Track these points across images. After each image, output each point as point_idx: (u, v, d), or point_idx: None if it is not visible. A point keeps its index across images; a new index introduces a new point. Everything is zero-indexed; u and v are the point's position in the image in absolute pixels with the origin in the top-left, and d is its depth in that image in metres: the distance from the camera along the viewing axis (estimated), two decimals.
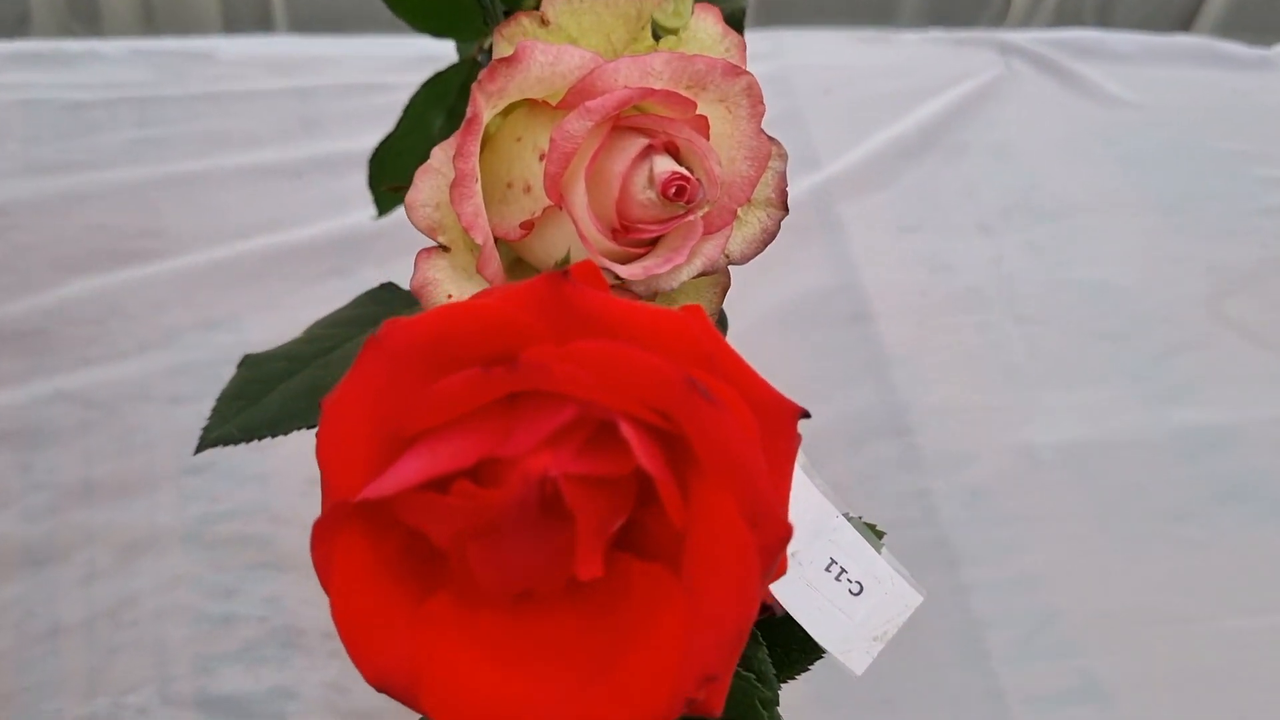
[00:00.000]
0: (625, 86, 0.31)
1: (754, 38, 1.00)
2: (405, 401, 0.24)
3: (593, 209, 0.31)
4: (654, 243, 0.33)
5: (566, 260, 0.32)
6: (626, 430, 0.22)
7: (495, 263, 0.32)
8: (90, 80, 0.91)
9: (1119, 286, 0.83)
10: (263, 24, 1.14)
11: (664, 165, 0.31)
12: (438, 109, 0.53)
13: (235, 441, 0.41)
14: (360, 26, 1.18)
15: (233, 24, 1.14)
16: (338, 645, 0.28)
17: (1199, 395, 0.76)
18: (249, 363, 0.43)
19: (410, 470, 0.22)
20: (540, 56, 0.31)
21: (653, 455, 0.23)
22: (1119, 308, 0.81)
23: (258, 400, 0.42)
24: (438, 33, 0.52)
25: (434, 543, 0.24)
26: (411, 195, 0.32)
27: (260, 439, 0.41)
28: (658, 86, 0.31)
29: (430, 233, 0.32)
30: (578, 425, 0.23)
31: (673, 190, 0.31)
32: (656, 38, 0.35)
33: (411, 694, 0.23)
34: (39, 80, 0.90)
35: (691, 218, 0.32)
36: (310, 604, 0.64)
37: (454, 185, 0.30)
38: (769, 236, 0.34)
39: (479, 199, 0.31)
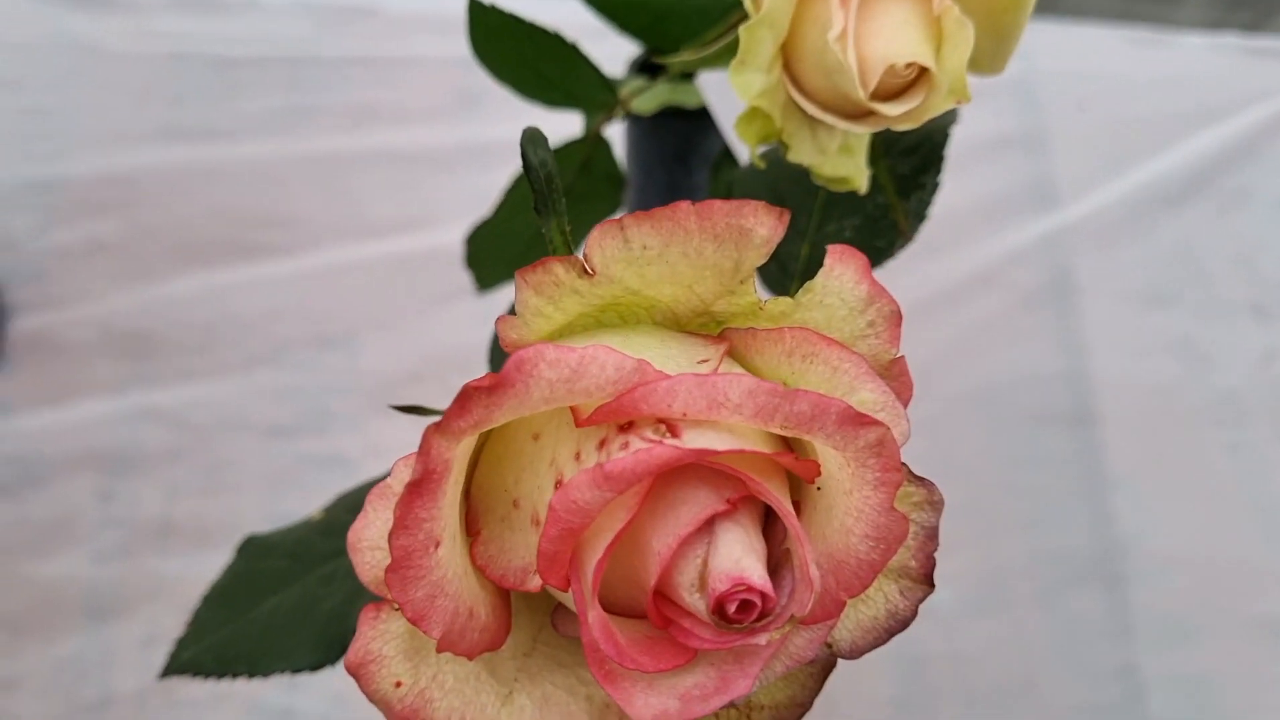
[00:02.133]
0: (684, 414, 0.19)
1: None
2: None
3: (607, 588, 0.20)
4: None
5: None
6: None
7: (472, 635, 0.21)
8: (246, 33, 0.83)
9: None
10: None
11: (729, 556, 0.19)
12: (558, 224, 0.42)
13: (207, 673, 0.32)
14: None
15: None
16: None
17: None
18: (247, 550, 0.34)
19: None
20: (548, 372, 0.19)
21: None
22: None
23: (244, 611, 0.33)
24: (558, 104, 0.40)
25: None
26: (355, 531, 0.21)
27: (235, 676, 0.32)
28: (734, 422, 0.19)
29: (377, 588, 0.21)
30: None
31: (734, 608, 0.19)
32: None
33: None
34: (193, 29, 0.83)
35: (761, 640, 0.20)
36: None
37: (391, 569, 0.19)
38: (899, 623, 0.22)
39: (440, 573, 0.20)
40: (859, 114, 0.28)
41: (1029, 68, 0.81)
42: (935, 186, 0.34)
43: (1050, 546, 0.60)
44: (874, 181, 0.33)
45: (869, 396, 0.21)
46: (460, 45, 0.83)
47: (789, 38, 0.28)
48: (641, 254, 0.21)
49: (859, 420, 0.19)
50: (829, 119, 0.27)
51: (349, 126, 0.78)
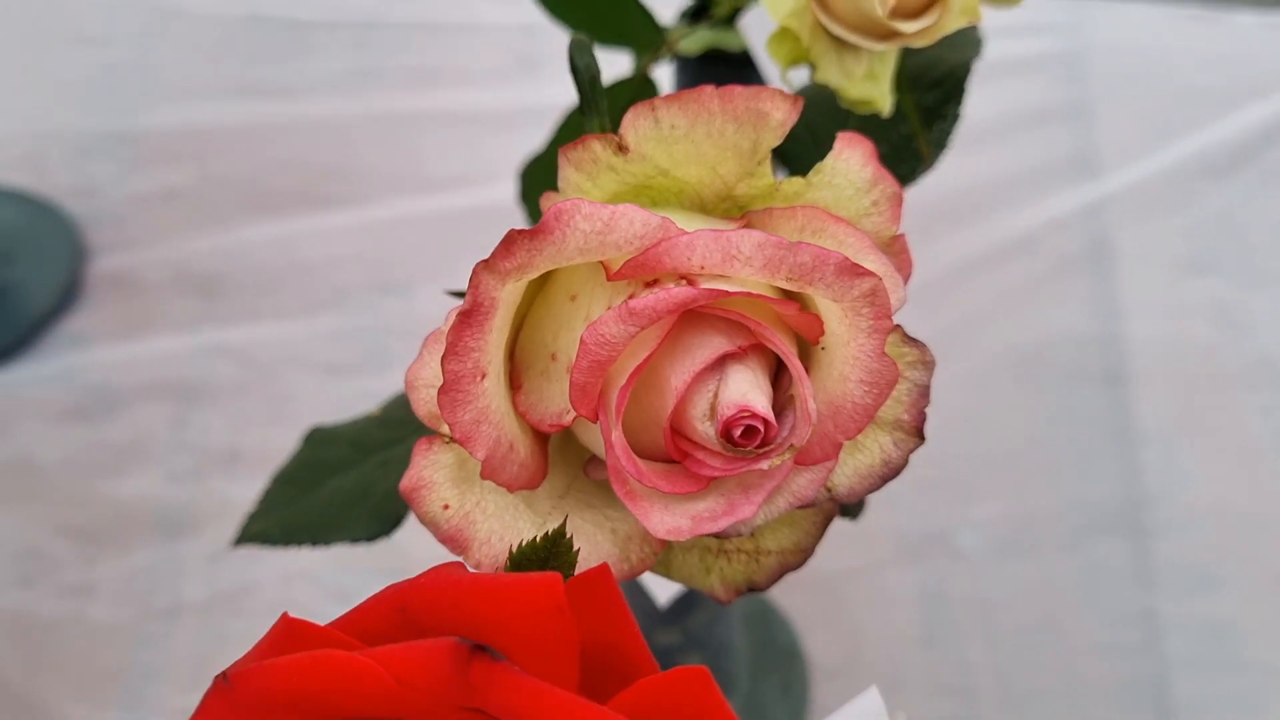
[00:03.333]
0: (701, 267, 0.22)
1: (1051, 6, 0.85)
2: None
3: (631, 433, 0.23)
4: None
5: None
6: None
7: (511, 466, 0.23)
8: None
9: None
10: None
11: (737, 389, 0.22)
12: (600, 124, 0.45)
13: (275, 542, 0.35)
14: None
15: None
16: None
17: None
18: (312, 440, 0.37)
19: None
20: (583, 224, 0.22)
21: None
22: None
23: (309, 490, 0.36)
24: (607, 42, 0.43)
25: None
26: (413, 370, 0.24)
27: (299, 544, 0.35)
28: (741, 274, 0.22)
29: (431, 421, 0.24)
30: None
31: (739, 432, 0.22)
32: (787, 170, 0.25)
33: None
34: None
35: (764, 465, 0.22)
36: None
37: (442, 390, 0.22)
38: (892, 470, 0.24)
39: (485, 401, 0.22)
40: (881, 34, 0.30)
41: (1079, 42, 0.82)
42: (957, 117, 0.36)
43: (1078, 497, 0.62)
44: (898, 111, 0.35)
45: (870, 266, 0.24)
46: (520, 13, 0.86)
47: None
48: (670, 132, 0.24)
49: (854, 270, 0.21)
50: (853, 38, 0.30)
51: (412, 87, 0.81)
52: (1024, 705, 0.56)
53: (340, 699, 0.17)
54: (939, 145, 0.36)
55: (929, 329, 0.68)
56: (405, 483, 0.24)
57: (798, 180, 0.25)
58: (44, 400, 0.66)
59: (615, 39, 0.42)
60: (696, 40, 0.43)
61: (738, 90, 0.24)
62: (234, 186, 0.76)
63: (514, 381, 0.25)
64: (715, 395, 0.22)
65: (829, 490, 0.24)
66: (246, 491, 0.62)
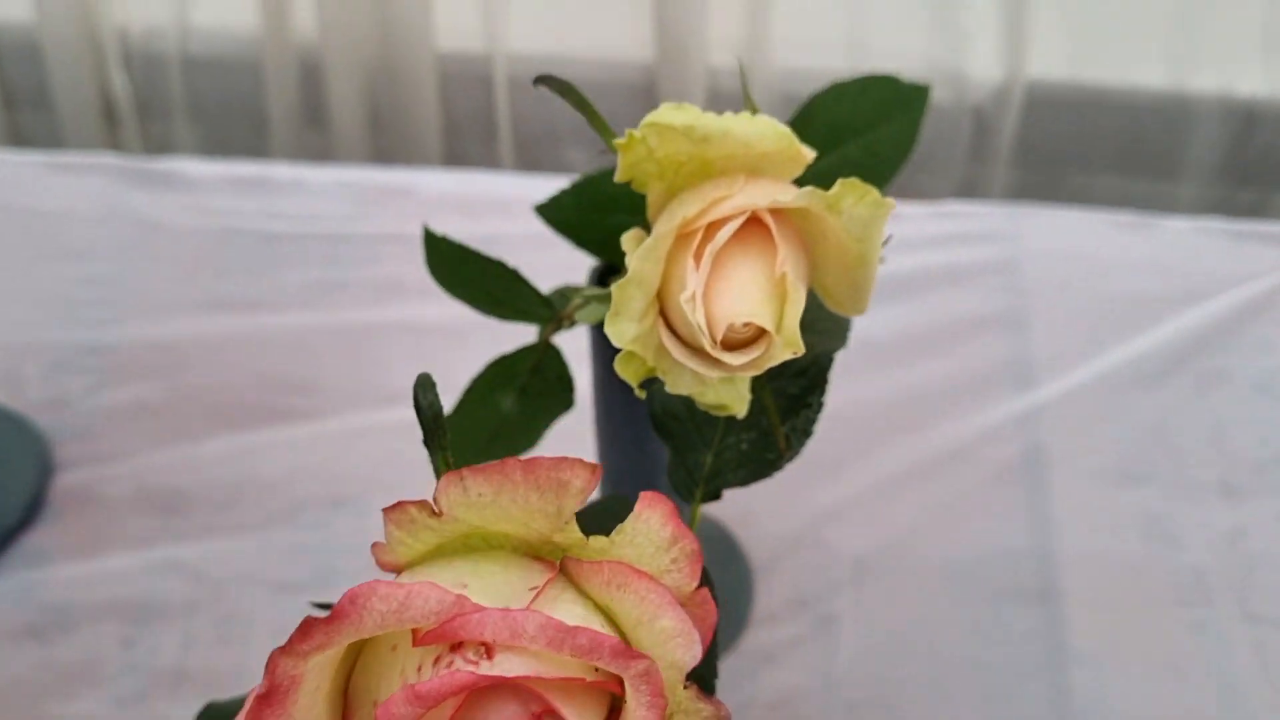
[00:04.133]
0: (494, 641, 0.24)
1: (994, 212, 0.89)
2: None
3: None
4: None
5: None
6: None
7: None
8: (291, 210, 0.91)
9: None
10: (485, 132, 1.12)
11: None
12: (507, 389, 0.47)
13: None
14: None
15: (454, 134, 1.12)
16: None
17: None
18: (205, 716, 0.39)
19: None
20: (379, 605, 0.24)
21: None
22: None
23: None
24: (504, 317, 0.46)
25: None
26: None
27: None
28: (537, 650, 0.23)
29: None
30: None
31: None
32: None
33: None
34: (243, 206, 0.91)
35: None
36: None
37: None
38: None
39: None
40: (711, 363, 0.32)
41: (1018, 248, 0.86)
42: (820, 405, 0.38)
43: (1009, 718, 0.62)
44: (762, 403, 0.38)
45: (669, 624, 0.25)
46: (481, 225, 0.90)
47: (664, 288, 0.33)
48: (478, 499, 0.26)
49: (629, 654, 0.23)
50: (690, 364, 0.32)
51: (377, 299, 0.85)
52: None
53: None
54: (804, 433, 0.38)
55: (863, 544, 0.70)
56: None
57: (603, 538, 0.27)
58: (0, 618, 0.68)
59: (510, 315, 0.44)
60: (590, 313, 0.46)
61: (541, 461, 0.26)
62: (201, 400, 0.79)
63: (345, 718, 0.27)
64: None
65: None
66: (188, 714, 0.64)
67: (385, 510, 0.26)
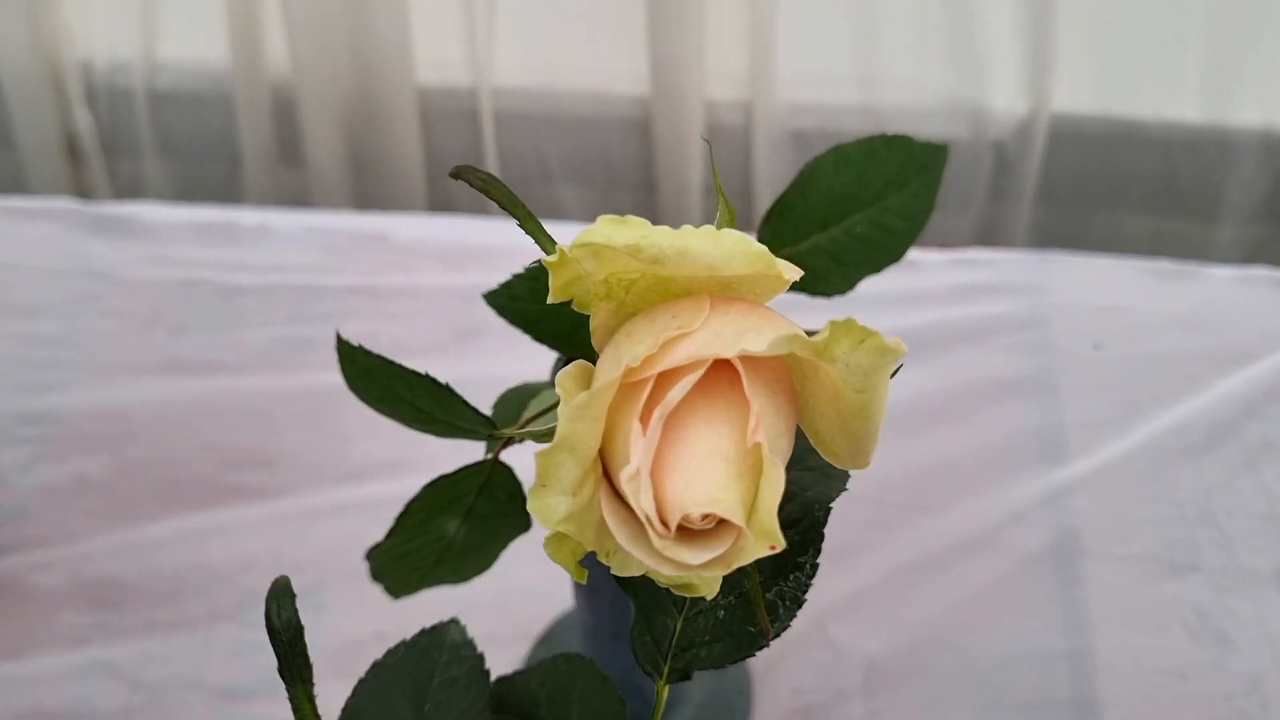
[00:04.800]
0: None
1: (1019, 260, 0.81)
2: None
3: None
4: None
5: None
6: None
7: None
8: (256, 260, 0.84)
9: None
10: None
11: None
12: (451, 513, 0.40)
13: None
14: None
15: (439, 173, 1.05)
16: None
17: None
18: None
19: None
20: None
21: None
22: None
23: None
24: (445, 435, 0.39)
25: None
26: None
27: None
28: None
29: None
30: None
31: None
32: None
33: None
34: (206, 257, 0.85)
35: None
36: None
37: None
38: None
39: None
40: (664, 560, 0.25)
41: (1047, 303, 0.78)
42: (814, 567, 0.31)
43: None
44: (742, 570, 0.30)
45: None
46: (462, 276, 0.83)
47: (607, 446, 0.26)
48: None
49: None
50: (639, 554, 0.25)
51: None
52: None
53: None
54: (794, 602, 0.31)
55: (880, 646, 0.63)
56: None
57: None
58: None
59: (451, 432, 0.37)
60: (545, 423, 0.38)
61: None
62: (147, 476, 0.72)
63: None
64: None
65: None
66: None
67: None
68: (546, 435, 0.39)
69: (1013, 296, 0.79)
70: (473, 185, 0.27)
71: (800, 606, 0.31)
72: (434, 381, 0.35)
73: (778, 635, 0.30)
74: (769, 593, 0.30)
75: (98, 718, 0.62)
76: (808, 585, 0.31)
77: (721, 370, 0.24)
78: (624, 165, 1.06)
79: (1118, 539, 0.66)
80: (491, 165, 1.02)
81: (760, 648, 0.30)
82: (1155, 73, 0.99)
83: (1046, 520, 0.67)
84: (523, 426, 0.38)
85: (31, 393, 0.76)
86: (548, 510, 0.25)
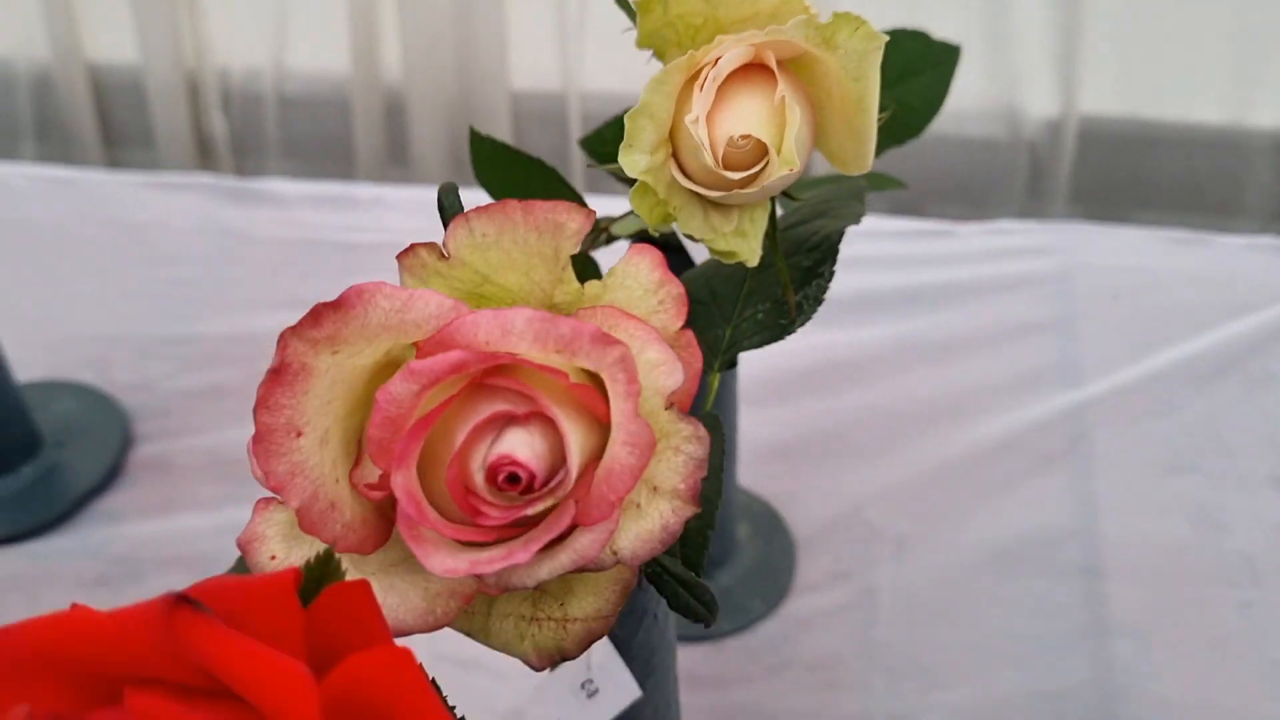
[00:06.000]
0: (486, 343, 0.26)
1: (1047, 229, 0.90)
2: None
3: (431, 493, 0.26)
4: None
5: None
6: None
7: (334, 525, 0.27)
8: (370, 224, 0.96)
9: None
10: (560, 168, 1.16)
11: (507, 444, 0.26)
12: None
13: None
14: None
15: None
16: None
17: None
18: None
19: None
20: (383, 302, 0.26)
21: None
22: None
23: None
24: None
25: None
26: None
27: None
28: (519, 349, 0.26)
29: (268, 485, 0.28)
30: None
31: (503, 478, 0.25)
32: (583, 279, 0.30)
33: None
34: (326, 220, 0.97)
35: (529, 511, 0.26)
36: None
37: (255, 440, 0.26)
38: (670, 536, 0.27)
39: (300, 457, 0.27)
40: (718, 184, 0.35)
41: (1067, 260, 0.87)
42: (831, 274, 0.40)
43: (1049, 688, 0.62)
44: (776, 273, 0.40)
45: (653, 355, 0.28)
46: None
47: (674, 129, 0.36)
48: (482, 240, 0.29)
49: (605, 340, 0.26)
50: (699, 189, 0.35)
51: None
52: None
53: (78, 651, 0.20)
54: (815, 300, 0.40)
55: (906, 525, 0.71)
56: (241, 537, 0.28)
57: (596, 283, 0.29)
58: (73, 571, 0.71)
59: None
60: (628, 225, 0.48)
61: (538, 204, 0.29)
62: None
63: (358, 459, 0.29)
64: (489, 449, 0.26)
65: (614, 552, 0.28)
66: None
67: (398, 255, 0.29)
68: (632, 228, 0.49)
69: (1040, 257, 0.88)
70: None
71: (819, 305, 0.40)
72: (545, 165, 0.45)
73: (803, 323, 0.40)
74: (797, 295, 0.40)
75: (226, 565, 0.71)
76: (825, 289, 0.40)
77: (757, 68, 0.34)
78: None
79: (1127, 446, 0.74)
80: (576, 164, 1.14)
81: (789, 332, 0.40)
82: (1177, 77, 1.09)
83: (1063, 430, 0.75)
84: (609, 225, 0.48)
85: (176, 322, 0.88)
86: (633, 163, 0.35)
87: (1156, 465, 0.73)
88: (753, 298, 0.42)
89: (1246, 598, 0.65)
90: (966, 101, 1.10)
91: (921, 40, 0.55)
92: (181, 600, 0.20)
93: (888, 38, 0.35)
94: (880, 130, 0.55)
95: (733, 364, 0.41)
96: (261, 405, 0.26)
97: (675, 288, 0.29)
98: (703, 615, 0.33)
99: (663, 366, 0.27)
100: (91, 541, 0.73)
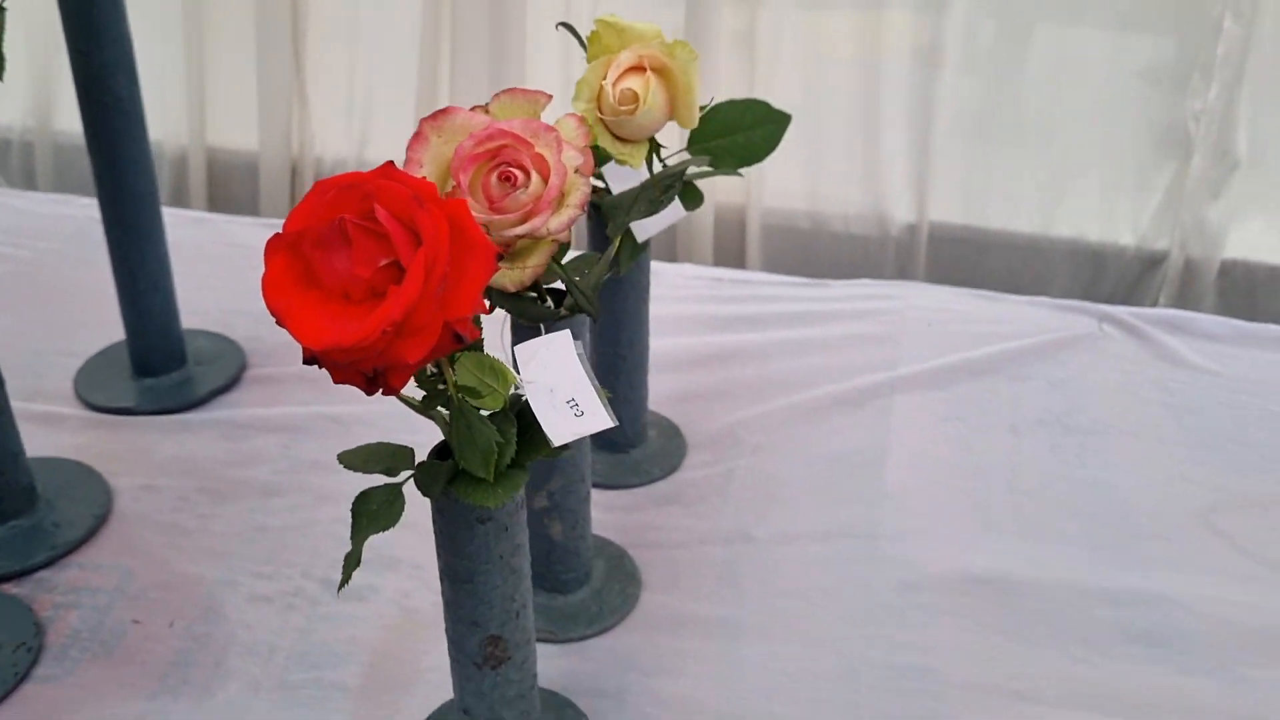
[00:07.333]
0: (502, 130, 0.64)
1: (888, 284, 1.29)
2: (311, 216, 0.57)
3: (473, 195, 0.64)
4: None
5: None
6: (380, 212, 0.54)
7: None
8: None
9: (1118, 486, 1.00)
10: None
11: (506, 168, 0.63)
12: None
13: None
14: None
15: None
16: None
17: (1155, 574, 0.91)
18: None
19: (301, 223, 0.55)
20: (459, 117, 0.64)
21: (392, 225, 0.54)
22: (1111, 505, 0.98)
23: None
24: None
25: (313, 266, 0.56)
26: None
27: None
28: (516, 133, 0.64)
29: None
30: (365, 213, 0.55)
31: (503, 177, 0.63)
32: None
33: (288, 325, 0.55)
34: None
35: (518, 194, 0.63)
36: None
37: (405, 165, 0.64)
38: (571, 221, 0.64)
39: (421, 172, 0.64)
40: (617, 114, 0.73)
41: (904, 304, 1.25)
42: (677, 188, 0.78)
43: (840, 519, 0.96)
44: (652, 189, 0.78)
45: (572, 152, 0.66)
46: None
47: (599, 93, 0.75)
48: (506, 102, 0.67)
49: (548, 128, 0.64)
50: (607, 119, 0.73)
51: None
52: None
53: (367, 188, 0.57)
54: (668, 201, 0.78)
55: (763, 438, 1.06)
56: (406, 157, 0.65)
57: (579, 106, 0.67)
58: (204, 431, 1.07)
59: None
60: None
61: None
62: None
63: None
64: (499, 170, 0.63)
65: (548, 229, 0.65)
66: (324, 486, 1.01)
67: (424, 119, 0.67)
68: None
69: (885, 300, 1.26)
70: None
71: (674, 193, 0.78)
72: None
73: (668, 203, 0.77)
74: (663, 196, 0.78)
75: (316, 431, 1.07)
76: (673, 196, 0.78)
77: (639, 68, 0.74)
78: None
79: (916, 405, 1.10)
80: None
81: (661, 206, 0.77)
82: (1002, 197, 1.50)
83: (875, 394, 1.11)
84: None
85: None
86: (578, 106, 0.73)
87: (933, 416, 1.09)
88: (639, 201, 0.80)
89: (975, 486, 1.00)
90: (850, 208, 1.50)
91: (765, 106, 0.95)
92: (390, 165, 0.57)
93: (698, 55, 0.74)
94: (736, 156, 0.94)
95: (637, 244, 0.79)
96: (409, 148, 0.64)
97: (587, 139, 0.67)
98: (589, 310, 0.70)
99: (576, 154, 0.65)
100: (219, 417, 1.09)
